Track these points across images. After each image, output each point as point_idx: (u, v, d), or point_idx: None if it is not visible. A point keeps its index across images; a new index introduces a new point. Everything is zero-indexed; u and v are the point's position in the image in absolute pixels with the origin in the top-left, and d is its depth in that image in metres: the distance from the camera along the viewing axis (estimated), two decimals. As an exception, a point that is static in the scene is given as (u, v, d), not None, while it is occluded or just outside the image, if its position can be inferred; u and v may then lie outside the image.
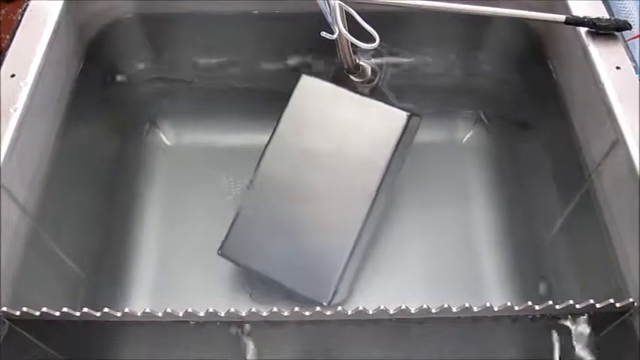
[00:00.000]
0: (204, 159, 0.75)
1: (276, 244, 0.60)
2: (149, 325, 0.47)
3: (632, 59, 0.53)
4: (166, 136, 0.76)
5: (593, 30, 0.55)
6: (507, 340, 0.52)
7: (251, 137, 0.71)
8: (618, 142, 0.49)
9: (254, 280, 0.63)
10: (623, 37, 0.55)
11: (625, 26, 0.54)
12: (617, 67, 0.52)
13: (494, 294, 0.64)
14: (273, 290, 0.61)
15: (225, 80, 0.73)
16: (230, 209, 0.62)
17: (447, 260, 0.67)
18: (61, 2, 0.58)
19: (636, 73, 0.52)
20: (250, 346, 0.48)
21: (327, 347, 0.52)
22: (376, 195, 0.59)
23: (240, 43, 0.69)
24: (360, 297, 0.64)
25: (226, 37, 0.68)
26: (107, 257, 0.66)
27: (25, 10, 0.57)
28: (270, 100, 0.64)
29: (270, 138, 0.62)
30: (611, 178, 0.51)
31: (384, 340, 0.50)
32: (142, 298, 0.65)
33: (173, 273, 0.66)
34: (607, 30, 0.54)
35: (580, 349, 0.48)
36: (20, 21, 0.56)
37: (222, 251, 0.62)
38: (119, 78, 0.70)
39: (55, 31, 0.56)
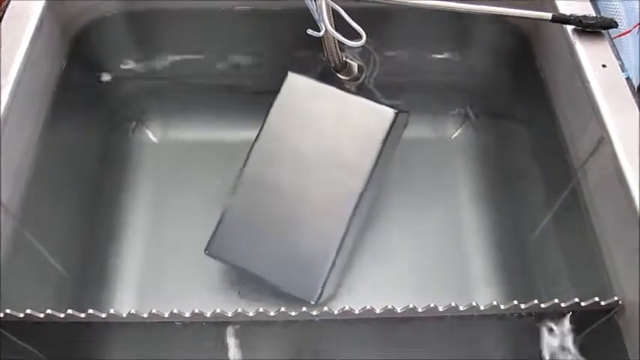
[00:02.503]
0: (191, 156, 0.74)
1: (263, 243, 0.60)
2: (135, 325, 0.46)
3: (618, 57, 0.53)
4: (153, 134, 0.76)
5: (579, 28, 0.55)
6: (493, 338, 0.52)
7: (238, 134, 0.71)
8: (604, 140, 0.49)
9: (242, 278, 0.63)
10: (609, 35, 0.55)
11: (611, 24, 0.54)
12: (603, 65, 0.52)
13: (481, 291, 0.64)
14: (262, 288, 0.61)
15: (212, 77, 0.72)
16: (217, 207, 0.62)
17: (434, 258, 0.67)
18: (43, 0, 0.57)
19: (622, 72, 0.52)
20: (237, 346, 0.48)
21: (314, 346, 0.52)
22: (363, 193, 0.59)
23: (226, 40, 0.68)
24: (347, 295, 0.64)
25: (212, 34, 0.68)
26: (93, 257, 0.65)
27: (6, 7, 0.56)
28: (256, 97, 0.65)
29: (257, 136, 0.62)
30: (596, 176, 0.51)
31: (372, 339, 0.50)
32: (129, 298, 0.64)
33: (160, 271, 0.66)
34: (593, 28, 0.54)
35: (565, 347, 0.48)
36: (1, 19, 0.55)
37: (209, 250, 0.61)
38: (104, 76, 0.69)
39: (38, 29, 0.55)
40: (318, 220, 0.59)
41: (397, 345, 0.51)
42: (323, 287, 0.58)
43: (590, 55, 0.53)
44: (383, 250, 0.67)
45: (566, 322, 0.47)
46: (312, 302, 0.58)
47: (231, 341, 0.48)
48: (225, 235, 0.61)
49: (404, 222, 0.69)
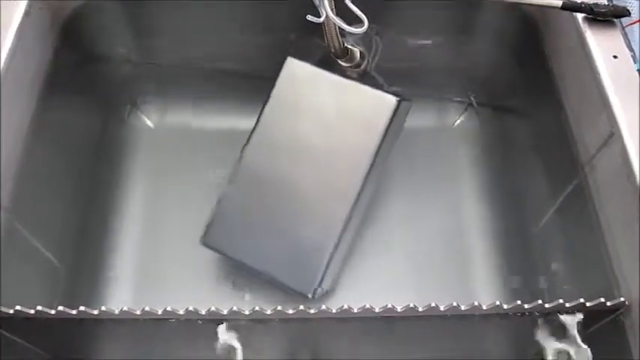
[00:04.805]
0: (188, 142, 0.73)
1: (260, 234, 0.58)
2: (129, 321, 0.45)
3: (630, 48, 0.51)
4: (149, 119, 0.74)
5: (590, 16, 0.53)
6: (495, 337, 0.51)
7: (236, 120, 0.69)
8: (613, 135, 0.48)
9: (239, 268, 0.62)
10: (621, 25, 0.53)
11: (623, 13, 0.52)
12: (615, 56, 0.51)
13: (483, 286, 0.63)
14: (258, 279, 0.60)
15: (209, 62, 0.70)
16: (214, 195, 0.61)
17: (435, 250, 0.66)
18: (32, -17, 0.55)
19: (634, 63, 0.50)
20: (233, 343, 0.47)
21: (312, 343, 0.51)
22: (364, 183, 0.57)
23: (224, 24, 0.66)
24: (345, 288, 0.63)
25: (210, 18, 0.65)
26: (87, 247, 0.64)
27: (-8, -8, 0.54)
28: (255, 83, 0.63)
29: (255, 124, 0.60)
30: (604, 172, 0.50)
31: (371, 336, 0.49)
32: (124, 288, 0.64)
33: (156, 260, 0.65)
34: (605, 16, 0.52)
35: (568, 346, 0.48)
36: (-12, 3, 0.53)
37: (204, 241, 0.60)
38: (98, 59, 0.67)
39: (27, 13, 0.53)
40: (317, 211, 0.58)
41: (397, 343, 0.50)
42: (321, 280, 0.57)
43: (600, 45, 0.52)
44: (383, 242, 0.66)
45: (570, 321, 0.46)
46: (310, 296, 0.57)
47: (226, 338, 0.47)
48: (220, 225, 0.60)
49: (404, 213, 0.68)
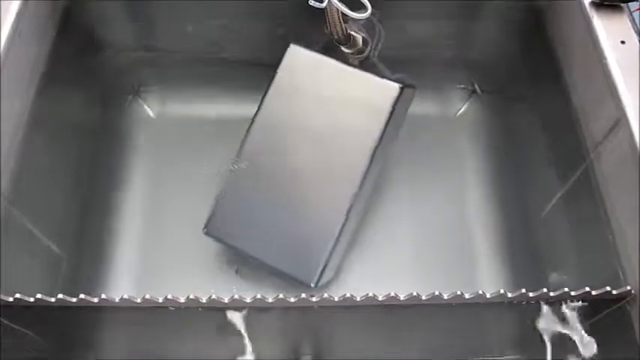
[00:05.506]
0: (190, 132, 0.72)
1: (263, 223, 0.58)
2: (131, 309, 0.45)
3: (638, 33, 0.51)
4: (150, 108, 0.74)
5: (597, 1, 0.52)
6: (498, 327, 0.51)
7: (239, 108, 0.69)
8: (620, 121, 0.47)
9: (242, 257, 0.62)
10: (629, 10, 0.52)
11: (631, -3, 0.52)
12: (622, 42, 0.50)
13: (486, 274, 0.63)
14: (260, 267, 0.60)
15: (212, 49, 0.69)
16: (216, 184, 0.60)
17: (439, 239, 0.65)
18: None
19: (643, 48, 0.50)
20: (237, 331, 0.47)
21: (313, 335, 0.51)
22: (366, 172, 0.57)
23: (225, 11, 0.66)
24: (348, 277, 0.62)
25: (211, 4, 0.65)
26: (88, 236, 0.63)
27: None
28: (257, 70, 0.62)
29: (257, 112, 0.60)
30: (611, 160, 0.49)
31: (373, 326, 0.49)
32: (126, 276, 0.63)
33: (157, 251, 0.65)
34: (612, 1, 0.52)
35: (572, 334, 0.47)
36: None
37: (207, 230, 0.60)
38: (98, 48, 0.67)
39: (25, 1, 0.53)
40: (320, 199, 0.57)
41: (399, 333, 0.50)
42: (323, 269, 0.57)
43: (608, 30, 0.51)
44: (386, 231, 0.65)
45: (575, 309, 0.46)
46: (312, 285, 0.57)
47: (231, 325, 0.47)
48: (223, 214, 0.59)
49: (408, 201, 0.67)
